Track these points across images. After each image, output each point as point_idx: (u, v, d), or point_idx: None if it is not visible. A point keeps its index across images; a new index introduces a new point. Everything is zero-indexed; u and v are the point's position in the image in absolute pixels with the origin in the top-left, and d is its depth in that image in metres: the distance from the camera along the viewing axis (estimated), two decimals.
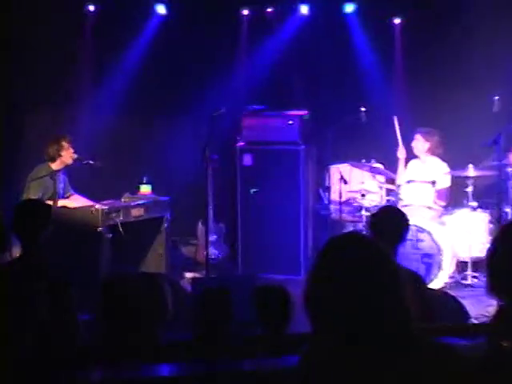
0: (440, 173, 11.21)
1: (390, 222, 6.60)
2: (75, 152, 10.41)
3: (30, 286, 5.76)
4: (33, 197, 9.90)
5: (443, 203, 11.28)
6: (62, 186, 10.45)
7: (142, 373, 4.60)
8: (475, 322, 8.06)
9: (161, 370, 4.72)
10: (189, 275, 11.29)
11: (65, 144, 10.33)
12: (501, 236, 3.64)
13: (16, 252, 9.79)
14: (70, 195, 10.61)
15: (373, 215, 7.08)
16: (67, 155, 10.33)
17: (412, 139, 11.42)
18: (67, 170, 10.53)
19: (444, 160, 11.35)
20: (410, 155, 11.52)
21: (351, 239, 3.24)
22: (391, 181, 11.56)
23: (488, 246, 10.71)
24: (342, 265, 3.06)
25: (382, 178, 11.54)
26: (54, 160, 10.30)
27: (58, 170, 10.31)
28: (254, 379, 4.44)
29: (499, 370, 3.27)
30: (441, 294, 7.62)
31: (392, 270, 3.11)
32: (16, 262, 6.73)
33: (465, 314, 7.27)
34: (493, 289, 3.55)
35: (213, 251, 11.20)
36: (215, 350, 5.55)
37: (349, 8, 12.34)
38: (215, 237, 11.65)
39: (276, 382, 4.25)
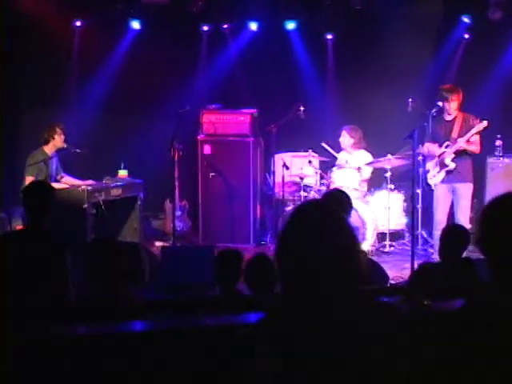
0: (364, 161, 11.41)
1: (336, 200, 6.87)
2: (66, 141, 10.45)
3: (39, 247, 6.18)
4: (30, 178, 9.95)
5: (366, 186, 11.55)
6: (54, 167, 10.51)
7: (120, 328, 4.56)
8: (393, 282, 8.40)
9: (136, 326, 4.70)
10: (158, 244, 11.51)
11: (58, 130, 10.39)
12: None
13: (16, 224, 10.07)
14: (61, 177, 10.63)
15: (325, 194, 7.50)
16: (59, 139, 10.38)
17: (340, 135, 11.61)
18: (59, 155, 10.55)
19: (368, 151, 11.55)
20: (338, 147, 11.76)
21: (313, 205, 3.20)
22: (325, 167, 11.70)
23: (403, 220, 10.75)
24: (306, 227, 2.99)
25: (317, 165, 11.65)
26: (47, 143, 10.35)
27: (51, 157, 10.35)
28: (218, 334, 4.35)
29: (423, 324, 3.24)
30: (368, 259, 7.49)
31: (344, 227, 3.02)
32: (27, 230, 6.81)
33: (385, 276, 7.38)
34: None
35: (178, 224, 11.23)
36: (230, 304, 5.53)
37: (290, 25, 12.39)
38: (180, 212, 11.75)
39: (238, 336, 3.95)
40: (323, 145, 11.64)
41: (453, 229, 7.24)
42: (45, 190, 6.78)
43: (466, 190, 9.98)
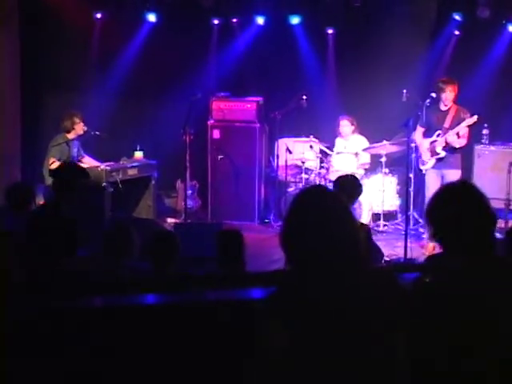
0: (361, 147, 11.48)
1: (350, 183, 7.07)
2: (85, 125, 10.51)
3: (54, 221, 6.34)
4: (53, 159, 10.22)
5: (363, 170, 11.58)
6: (75, 150, 10.57)
7: (124, 301, 4.36)
8: (387, 259, 8.59)
9: (147, 299, 4.48)
10: (170, 220, 11.58)
11: (77, 119, 10.47)
12: (440, 195, 3.43)
13: (39, 200, 10.15)
14: (82, 158, 10.66)
15: (339, 177, 7.43)
16: (79, 128, 10.47)
17: (339, 121, 11.68)
18: (80, 138, 10.65)
19: (364, 136, 11.63)
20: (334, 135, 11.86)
21: (318, 191, 3.20)
22: (325, 152, 11.70)
23: (396, 202, 10.86)
24: (311, 210, 3.01)
25: (317, 149, 11.65)
26: (69, 131, 10.45)
27: (72, 139, 10.45)
28: (222, 308, 4.16)
29: (424, 299, 3.20)
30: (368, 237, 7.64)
31: (348, 213, 3.06)
32: (52, 206, 6.93)
33: (381, 253, 7.48)
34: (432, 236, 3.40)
35: (189, 202, 11.28)
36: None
37: (294, 20, 12.45)
38: (191, 191, 11.81)
39: (240, 310, 3.94)
40: (312, 142, 11.62)
41: None
42: (74, 171, 6.97)
43: (454, 176, 9.97)
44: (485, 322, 3.17)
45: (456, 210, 3.27)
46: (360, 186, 7.19)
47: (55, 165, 10.11)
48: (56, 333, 3.92)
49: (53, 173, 7.56)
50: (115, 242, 6.00)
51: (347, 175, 7.56)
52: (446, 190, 3.47)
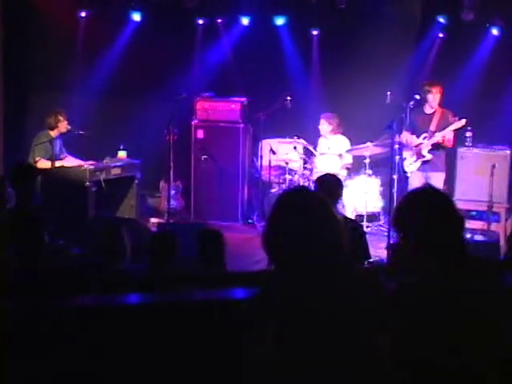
0: (344, 148, 11.48)
1: (330, 182, 6.98)
2: (69, 124, 10.54)
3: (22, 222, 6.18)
4: (37, 157, 10.31)
5: (346, 172, 11.57)
6: (58, 148, 10.56)
7: (111, 301, 4.37)
8: (370, 260, 8.48)
9: (130, 299, 4.49)
10: (154, 221, 11.51)
11: (61, 118, 10.52)
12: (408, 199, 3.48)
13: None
14: (64, 157, 10.70)
15: (319, 177, 7.37)
16: (62, 126, 10.52)
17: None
18: (63, 136, 10.66)
19: (347, 137, 11.63)
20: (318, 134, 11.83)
21: (301, 192, 3.25)
22: (309, 153, 11.68)
23: (380, 204, 10.83)
24: (294, 211, 3.05)
25: (301, 151, 11.62)
26: (52, 129, 10.49)
27: (55, 138, 10.44)
28: (207, 308, 4.13)
29: (409, 300, 3.21)
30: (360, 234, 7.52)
31: (331, 214, 3.11)
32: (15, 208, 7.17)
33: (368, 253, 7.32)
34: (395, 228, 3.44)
35: (172, 203, 11.27)
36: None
37: (279, 21, 12.43)
38: (174, 192, 11.71)
39: (224, 310, 3.95)
40: (296, 142, 11.58)
41: None
42: (28, 174, 7.15)
43: (438, 178, 10.08)
44: (467, 321, 3.21)
45: (424, 214, 3.31)
46: (341, 184, 7.13)
47: (41, 163, 10.24)
48: (42, 333, 3.89)
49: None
50: (106, 244, 5.99)
51: (327, 174, 7.48)
52: (412, 195, 3.50)
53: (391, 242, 9.11)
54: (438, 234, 3.29)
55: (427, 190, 3.52)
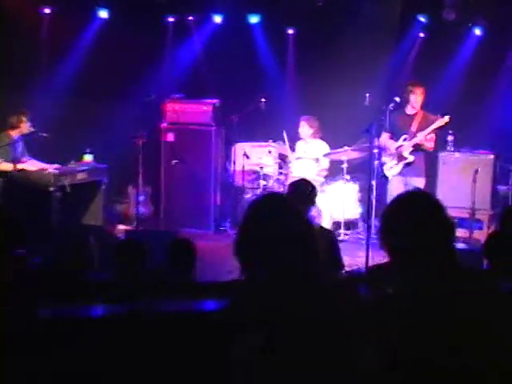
0: (322, 153, 11.36)
1: (303, 187, 6.89)
2: (32, 126, 10.39)
3: None
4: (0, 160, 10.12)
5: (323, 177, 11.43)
6: (19, 150, 10.43)
7: (78, 312, 4.34)
8: (348, 269, 8.15)
9: (94, 311, 4.46)
10: (121, 227, 11.32)
11: (24, 118, 10.36)
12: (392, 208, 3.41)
13: None
14: (26, 160, 10.50)
15: (292, 183, 7.30)
16: (24, 127, 10.35)
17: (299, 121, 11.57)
18: (25, 139, 10.49)
19: (325, 141, 11.52)
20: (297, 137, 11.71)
21: (273, 199, 3.28)
22: (284, 157, 11.66)
23: (358, 210, 10.91)
24: (266, 218, 3.08)
25: (276, 155, 11.60)
26: (13, 129, 10.32)
27: (16, 140, 10.29)
28: (176, 319, 4.17)
29: (387, 311, 3.16)
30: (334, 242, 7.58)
31: (304, 221, 3.16)
32: None
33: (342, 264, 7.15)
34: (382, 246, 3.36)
35: (141, 209, 11.08)
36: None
37: (253, 19, 12.44)
38: (143, 197, 11.55)
39: (195, 321, 4.05)
40: (284, 134, 11.50)
41: None
42: None
43: (418, 184, 9.87)
44: (464, 321, 3.12)
45: (413, 219, 3.25)
46: (314, 189, 6.99)
47: (2, 166, 10.06)
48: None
49: None
50: (72, 253, 5.95)
51: (300, 180, 7.39)
52: (401, 199, 3.43)
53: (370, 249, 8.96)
54: (430, 237, 3.21)
55: (418, 193, 3.48)
